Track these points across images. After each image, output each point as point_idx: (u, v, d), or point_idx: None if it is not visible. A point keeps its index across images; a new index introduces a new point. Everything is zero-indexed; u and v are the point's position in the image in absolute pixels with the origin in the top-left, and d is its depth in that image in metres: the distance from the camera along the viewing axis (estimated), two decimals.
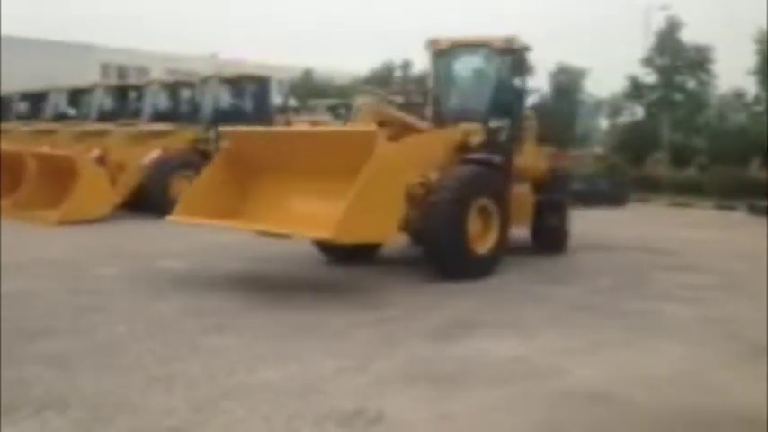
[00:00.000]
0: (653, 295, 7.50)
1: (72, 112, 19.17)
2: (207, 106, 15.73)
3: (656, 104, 28.61)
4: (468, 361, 4.99)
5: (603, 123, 39.95)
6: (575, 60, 41.24)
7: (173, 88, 17.13)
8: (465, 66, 9.88)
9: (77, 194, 12.25)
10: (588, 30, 73.38)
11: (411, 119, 8.88)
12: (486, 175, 8.29)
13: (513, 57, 9.33)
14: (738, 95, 29.15)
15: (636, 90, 29.25)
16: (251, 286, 7.47)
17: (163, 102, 16.97)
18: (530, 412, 4.10)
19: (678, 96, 28.59)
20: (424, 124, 8.93)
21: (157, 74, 30.05)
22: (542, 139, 10.35)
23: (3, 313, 5.94)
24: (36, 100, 20.37)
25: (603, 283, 8.16)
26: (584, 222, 11.93)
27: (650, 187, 22.36)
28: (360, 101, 8.69)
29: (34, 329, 5.51)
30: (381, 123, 8.08)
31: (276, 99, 18.96)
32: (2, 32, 35.56)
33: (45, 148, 13.98)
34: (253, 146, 8.00)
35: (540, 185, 9.87)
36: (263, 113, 15.42)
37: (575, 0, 78.56)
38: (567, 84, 34.08)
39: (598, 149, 31.15)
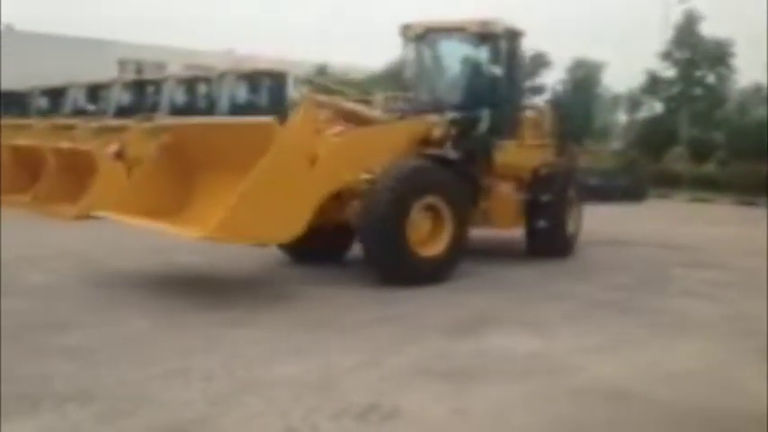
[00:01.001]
0: (672, 292, 7.45)
1: (91, 107, 19.34)
2: (224, 101, 15.82)
3: (675, 99, 28.33)
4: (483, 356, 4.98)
5: (621, 118, 39.71)
6: (592, 54, 40.95)
7: (190, 83, 17.24)
8: (440, 53, 9.19)
9: (96, 189, 12.34)
10: (606, 23, 72.83)
11: (365, 111, 8.42)
12: (434, 171, 7.56)
13: (493, 42, 8.63)
14: (758, 89, 28.85)
15: (654, 85, 28.99)
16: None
17: (180, 96, 17.09)
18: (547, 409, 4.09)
19: (697, 91, 28.30)
20: (380, 116, 8.46)
21: (174, 69, 30.18)
22: (553, 134, 9.99)
23: (25, 305, 6.01)
24: (55, 95, 20.58)
25: (621, 279, 8.10)
26: (600, 218, 11.85)
27: (669, 183, 22.17)
28: (308, 96, 8.34)
29: (56, 322, 5.57)
30: (338, 116, 7.76)
31: (293, 94, 19.00)
32: (21, 28, 35.91)
33: (64, 143, 14.10)
34: (182, 139, 7.66)
35: (531, 184, 9.16)
36: (279, 108, 15.46)
37: None
38: (584, 78, 33.85)
39: (616, 144, 30.95)
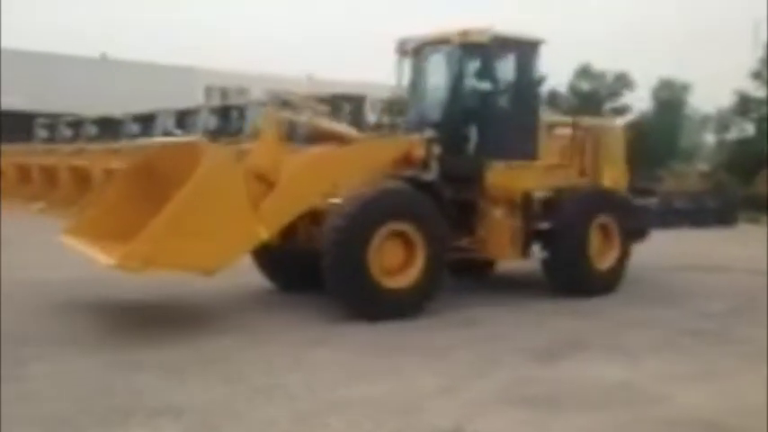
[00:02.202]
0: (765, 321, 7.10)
1: (179, 131, 20.09)
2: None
3: (767, 120, 27.20)
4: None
5: (709, 139, 38.36)
6: (679, 74, 39.85)
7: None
8: (429, 67, 8.29)
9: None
10: (693, 43, 70.74)
11: (339, 129, 7.70)
12: (405, 194, 6.84)
13: (480, 53, 7.65)
14: None
15: (744, 105, 27.93)
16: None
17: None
18: None
19: None
20: (356, 135, 7.82)
21: (257, 94, 31.10)
22: (614, 156, 8.97)
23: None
24: (146, 121, 21.48)
25: (713, 307, 7.79)
26: (690, 242, 11.43)
27: (760, 206, 21.21)
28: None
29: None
30: (316, 134, 7.26)
31: (371, 117, 19.22)
32: (114, 57, 37.81)
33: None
34: (144, 161, 7.23)
35: (524, 209, 7.88)
36: (358, 131, 15.65)
37: (680, 12, 75.90)
38: (669, 99, 32.93)
39: (703, 166, 29.90)
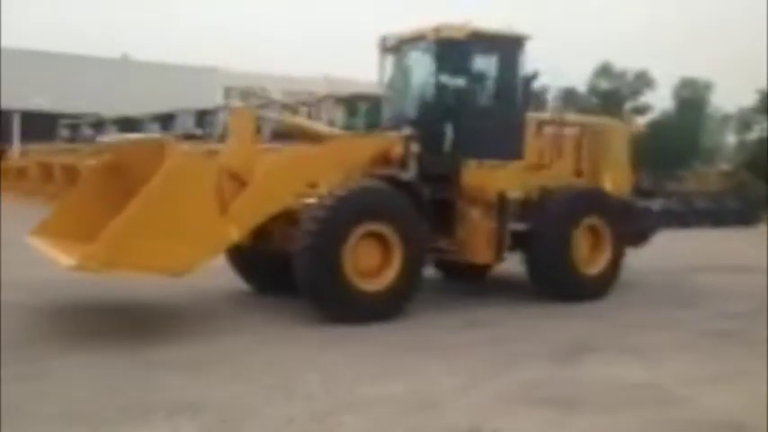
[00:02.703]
0: None
1: (198, 131, 20.23)
2: (323, 124, 16.21)
3: None
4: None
5: (730, 139, 37.92)
6: (700, 73, 39.43)
7: (291, 108, 17.74)
8: (406, 63, 8.13)
9: None
10: (714, 43, 69.99)
11: (314, 126, 7.47)
12: (381, 194, 6.65)
13: (456, 49, 7.38)
14: None
15: (766, 104, 27.58)
16: None
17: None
18: None
19: None
20: (331, 132, 7.61)
21: (275, 95, 31.23)
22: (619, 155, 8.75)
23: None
24: (166, 120, 21.66)
25: (734, 308, 7.69)
26: (711, 242, 11.31)
27: None
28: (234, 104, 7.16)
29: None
30: (290, 132, 7.01)
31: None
32: (135, 58, 38.15)
33: None
34: (113, 160, 7.05)
35: (499, 210, 7.53)
36: (375, 131, 15.67)
37: (701, 12, 75.09)
38: (690, 98, 32.61)
39: (724, 166, 29.58)
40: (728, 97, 46.61)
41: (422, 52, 7.82)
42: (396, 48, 7.95)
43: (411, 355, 5.49)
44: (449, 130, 7.40)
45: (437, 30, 7.33)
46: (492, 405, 4.37)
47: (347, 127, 15.92)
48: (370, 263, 6.50)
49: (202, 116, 20.57)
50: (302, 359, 5.29)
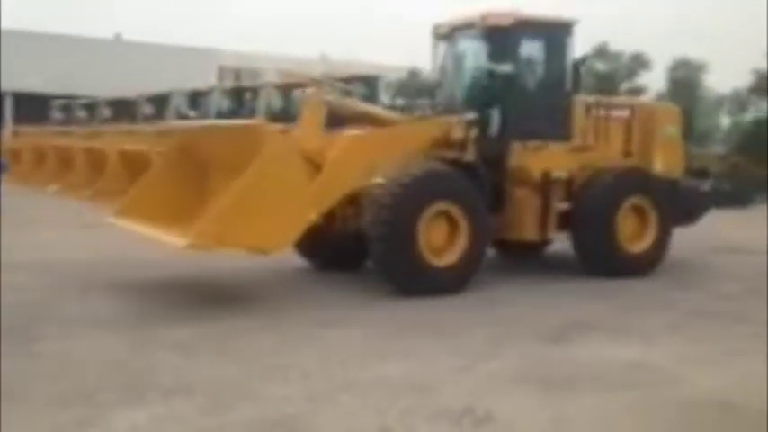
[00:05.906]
0: None
1: (192, 113, 20.11)
2: None
3: None
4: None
5: (724, 121, 37.97)
6: (694, 54, 39.35)
7: (286, 89, 17.64)
8: (458, 50, 8.49)
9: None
10: (709, 21, 69.77)
11: (379, 112, 7.93)
12: (447, 175, 7.05)
13: (501, 36, 7.74)
14: None
15: (762, 84, 27.55)
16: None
17: (276, 102, 17.52)
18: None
19: None
20: (395, 118, 7.95)
21: (271, 76, 31.09)
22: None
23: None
24: (160, 102, 21.52)
25: (731, 288, 7.75)
26: (704, 224, 11.35)
27: None
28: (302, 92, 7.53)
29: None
30: (351, 117, 7.42)
31: (383, 99, 19.16)
32: (128, 38, 37.87)
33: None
34: (189, 143, 7.39)
35: (543, 190, 7.90)
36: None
37: None
38: (684, 78, 32.58)
39: (718, 148, 29.63)
40: (722, 79, 46.63)
41: (471, 39, 8.26)
42: (447, 35, 8.33)
43: (412, 335, 5.52)
44: (498, 114, 7.79)
45: (484, 17, 7.72)
46: (487, 386, 4.40)
47: None
48: (439, 240, 6.94)
49: (196, 97, 20.43)
50: (305, 336, 5.31)
